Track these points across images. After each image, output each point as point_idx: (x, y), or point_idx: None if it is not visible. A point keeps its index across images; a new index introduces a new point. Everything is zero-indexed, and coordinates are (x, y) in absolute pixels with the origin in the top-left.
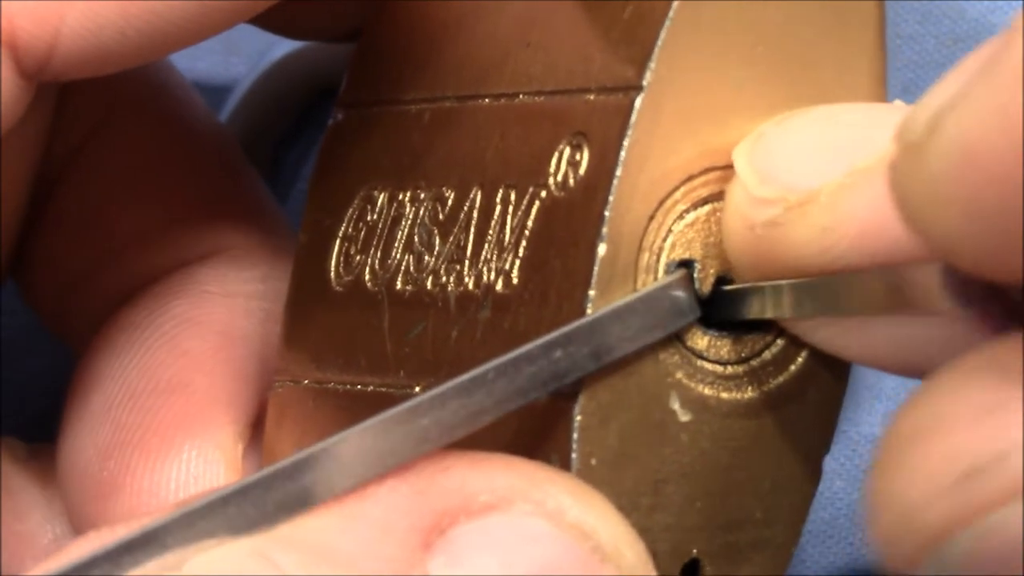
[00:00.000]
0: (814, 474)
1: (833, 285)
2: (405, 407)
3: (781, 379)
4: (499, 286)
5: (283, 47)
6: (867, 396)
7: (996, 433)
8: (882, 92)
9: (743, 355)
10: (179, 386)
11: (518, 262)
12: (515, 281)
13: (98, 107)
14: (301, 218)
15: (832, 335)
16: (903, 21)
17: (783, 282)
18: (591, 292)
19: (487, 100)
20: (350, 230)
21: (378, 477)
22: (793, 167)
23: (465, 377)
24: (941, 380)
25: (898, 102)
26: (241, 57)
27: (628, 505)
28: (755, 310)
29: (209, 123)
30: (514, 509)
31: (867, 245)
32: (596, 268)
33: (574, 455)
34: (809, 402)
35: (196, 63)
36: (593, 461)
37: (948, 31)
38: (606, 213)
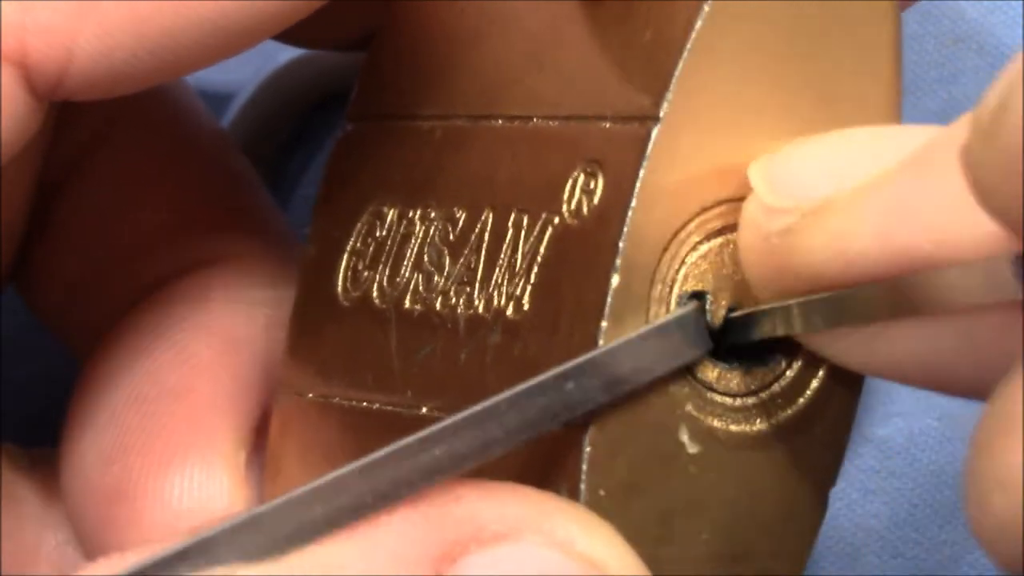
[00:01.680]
0: (820, 506)
1: (841, 296)
2: (417, 437)
3: (790, 412)
4: (510, 311)
5: (287, 54)
6: (868, 396)
7: None
8: (898, 120)
9: (752, 388)
10: (183, 392)
11: (529, 288)
12: (526, 307)
13: (101, 114)
14: (302, 224)
15: (848, 347)
16: (903, 21)
17: (791, 301)
18: (603, 323)
19: (500, 121)
20: (359, 245)
21: (390, 507)
22: (808, 177)
23: (477, 408)
24: None
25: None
26: (245, 64)
27: (636, 536)
28: (766, 330)
29: (212, 129)
30: (524, 539)
31: (883, 251)
32: (609, 299)
33: (583, 486)
34: (817, 435)
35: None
36: (602, 492)
37: (948, 31)
38: (620, 244)
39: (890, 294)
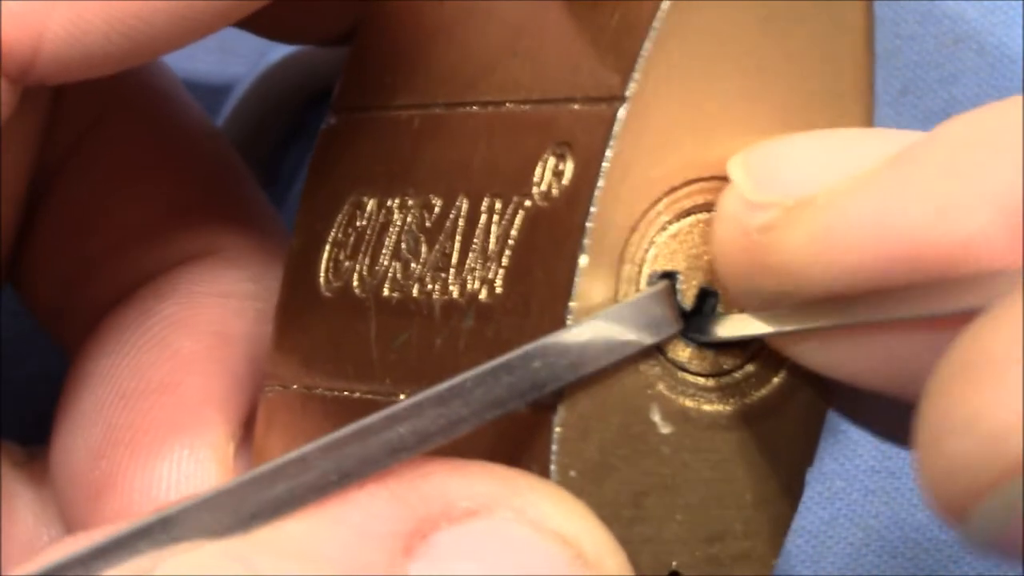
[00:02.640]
0: (796, 487)
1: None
2: (382, 415)
3: (763, 392)
4: (483, 295)
5: (280, 50)
6: None
7: None
8: (869, 113)
9: (725, 367)
10: (171, 386)
11: (502, 271)
12: (498, 290)
13: (90, 109)
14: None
15: (809, 349)
16: (903, 21)
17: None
18: (572, 303)
19: (475, 108)
20: (340, 236)
21: (356, 484)
22: (791, 173)
23: (443, 386)
24: None
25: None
26: (238, 60)
27: (608, 517)
28: (730, 330)
29: (202, 124)
30: (495, 516)
31: (864, 251)
32: (577, 279)
33: (553, 467)
34: (791, 416)
35: (193, 65)
36: (572, 473)
37: (948, 31)
38: (588, 224)
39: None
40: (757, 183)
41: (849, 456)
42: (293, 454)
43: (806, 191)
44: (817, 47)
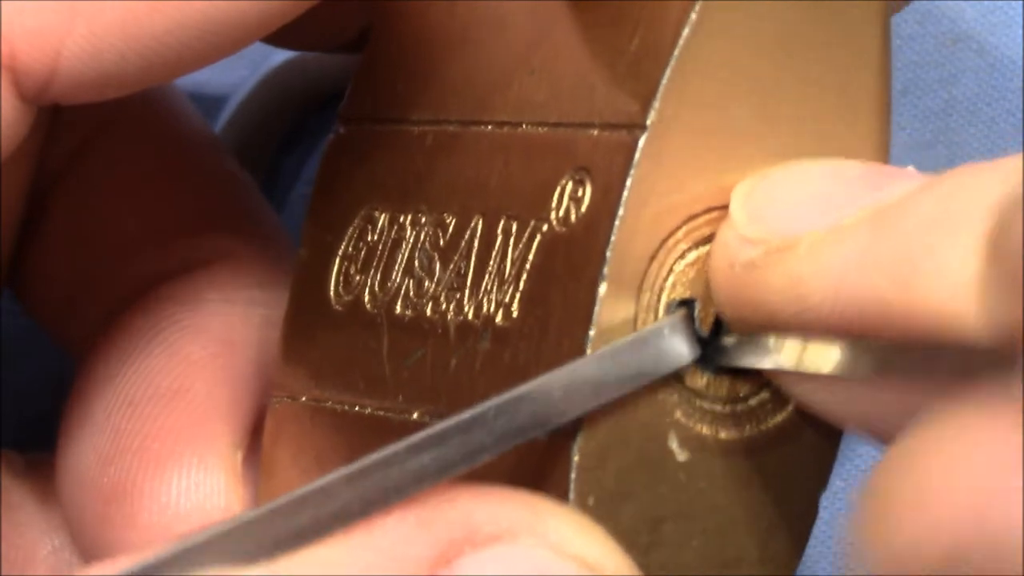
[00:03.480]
0: (810, 512)
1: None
2: (404, 444)
3: (779, 418)
4: (499, 318)
5: (281, 55)
6: None
7: (990, 516)
8: (886, 140)
9: (741, 394)
10: (179, 392)
11: (518, 295)
12: (515, 314)
13: (92, 117)
14: (297, 226)
15: (810, 391)
16: (903, 21)
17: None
18: (591, 331)
19: (490, 127)
20: (350, 249)
21: (377, 514)
22: (784, 212)
23: (465, 415)
24: (944, 431)
25: (910, 168)
26: (239, 65)
27: (625, 544)
28: (747, 360)
29: (202, 131)
30: (519, 541)
31: (838, 306)
32: (597, 307)
33: (571, 494)
34: (806, 441)
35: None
36: (591, 500)
37: (948, 31)
38: (608, 252)
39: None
40: (750, 218)
41: (849, 456)
42: (317, 483)
43: (791, 233)
44: (833, 71)
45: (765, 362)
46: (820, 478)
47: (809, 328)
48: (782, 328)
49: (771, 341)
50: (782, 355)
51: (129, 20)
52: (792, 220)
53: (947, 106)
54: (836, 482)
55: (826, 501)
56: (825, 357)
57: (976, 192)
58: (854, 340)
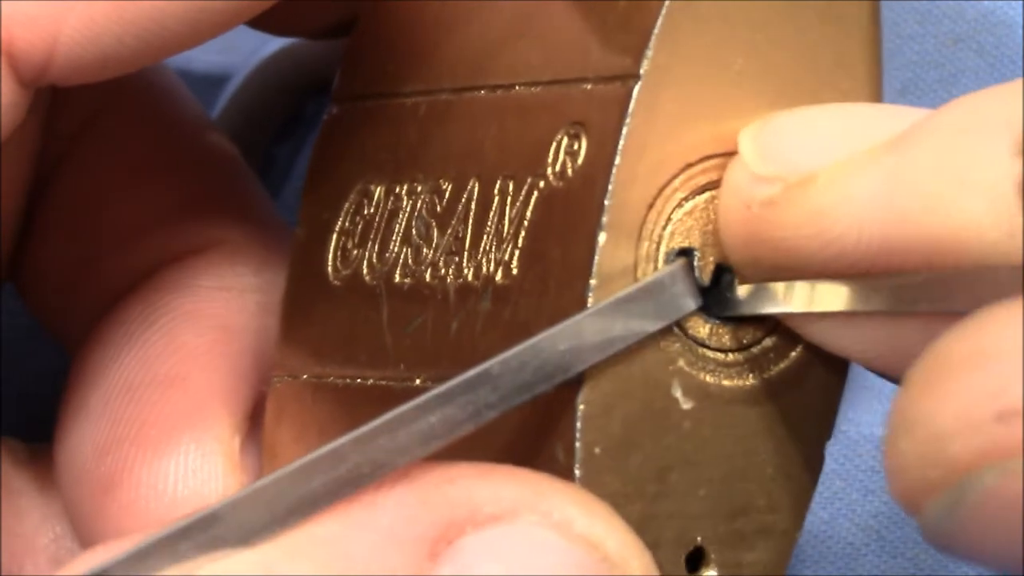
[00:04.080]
0: (816, 460)
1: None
2: (411, 405)
3: (782, 366)
4: (499, 277)
5: (276, 42)
6: (867, 396)
7: None
8: (878, 87)
9: (744, 342)
10: (176, 379)
11: (517, 252)
12: (515, 272)
13: (87, 104)
14: (294, 211)
15: (824, 330)
16: (903, 21)
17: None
18: (592, 282)
19: (483, 92)
20: (347, 224)
21: (387, 481)
22: (797, 148)
23: (470, 373)
24: (999, 311)
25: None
26: (234, 52)
27: (633, 493)
28: (755, 308)
29: (199, 118)
30: (521, 520)
31: (863, 236)
32: (596, 258)
33: (578, 444)
34: (810, 389)
35: (189, 58)
36: (597, 450)
37: (948, 31)
38: (606, 202)
39: (873, 292)
40: (763, 157)
41: (849, 456)
42: (326, 448)
43: (809, 168)
44: (825, 19)
45: (774, 308)
46: (825, 426)
47: (831, 264)
48: (800, 268)
49: (780, 288)
50: (792, 301)
51: (125, 3)
52: (808, 154)
53: None
54: (836, 482)
55: (826, 501)
56: (837, 295)
57: (998, 104)
58: (868, 276)
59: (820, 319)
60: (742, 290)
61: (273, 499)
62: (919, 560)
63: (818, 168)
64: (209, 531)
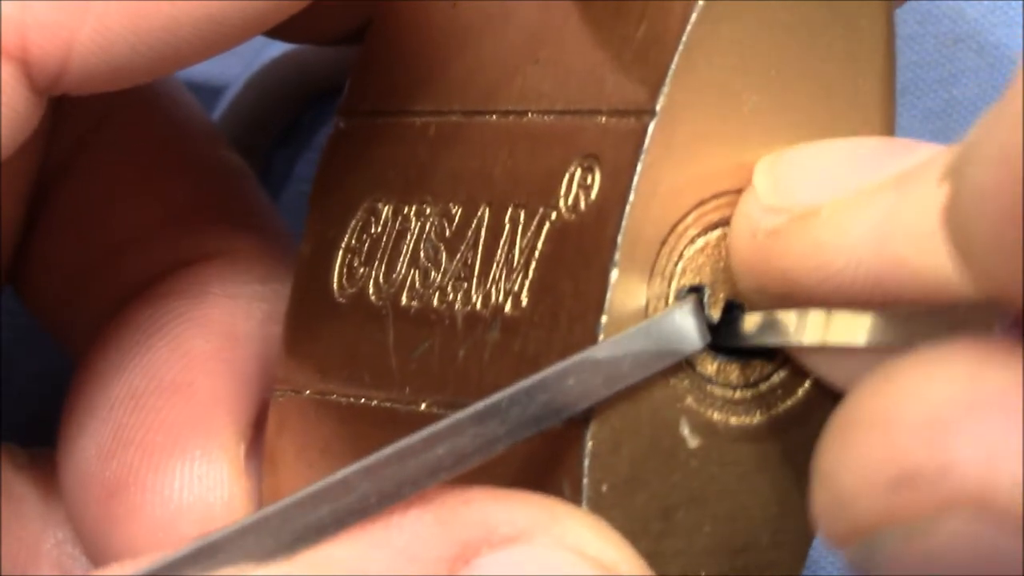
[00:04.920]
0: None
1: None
2: (419, 437)
3: (789, 403)
4: (508, 307)
5: (276, 48)
6: None
7: (941, 445)
8: (892, 122)
9: (751, 380)
10: (181, 386)
11: (527, 284)
12: (524, 303)
13: (94, 110)
14: (290, 219)
15: (831, 365)
16: (903, 21)
17: (792, 312)
18: (603, 318)
19: (495, 116)
20: (353, 242)
21: (398, 507)
22: (807, 182)
23: (479, 406)
24: (904, 368)
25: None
26: (234, 58)
27: (639, 530)
28: (758, 337)
29: (204, 124)
30: (536, 541)
31: (859, 271)
32: (609, 294)
33: (585, 481)
34: (815, 425)
35: None
36: (604, 487)
37: (948, 31)
38: (619, 239)
39: (885, 325)
40: (774, 186)
41: None
42: (334, 477)
43: (813, 202)
44: (838, 56)
45: (786, 340)
46: None
47: (831, 297)
48: (803, 298)
49: (793, 317)
50: (805, 332)
51: (139, 13)
52: (815, 189)
53: (947, 106)
54: None
55: None
56: (850, 329)
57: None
58: (878, 309)
59: (828, 353)
60: (751, 322)
61: (280, 526)
62: None
63: (822, 203)
64: (217, 556)
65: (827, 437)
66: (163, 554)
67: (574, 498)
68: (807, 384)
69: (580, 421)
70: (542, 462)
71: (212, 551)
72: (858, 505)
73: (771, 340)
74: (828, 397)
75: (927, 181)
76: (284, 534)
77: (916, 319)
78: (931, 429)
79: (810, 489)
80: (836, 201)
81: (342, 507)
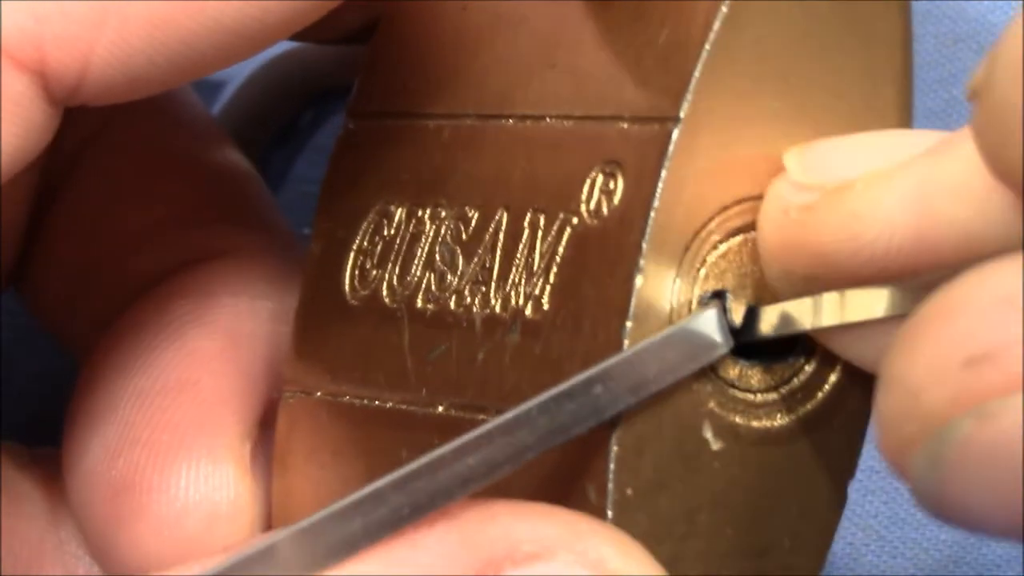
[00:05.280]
0: (840, 500)
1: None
2: (450, 448)
3: (810, 406)
4: (529, 311)
5: (278, 45)
6: None
7: (1006, 322)
8: (908, 122)
9: (773, 383)
10: (187, 385)
11: (549, 288)
12: (546, 307)
13: (99, 112)
14: (290, 218)
15: (863, 349)
16: None
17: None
18: (628, 323)
19: (511, 121)
20: (365, 244)
21: (427, 520)
22: (839, 160)
23: (508, 416)
24: (968, 272)
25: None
26: None
27: (662, 533)
28: (781, 329)
29: (208, 124)
30: (558, 558)
31: (894, 240)
32: (633, 300)
33: (611, 485)
34: (836, 428)
35: None
36: (629, 491)
37: (948, 31)
38: (643, 245)
39: (901, 295)
40: (804, 166)
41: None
42: (367, 490)
43: (847, 176)
44: (855, 60)
45: (805, 326)
46: (848, 465)
47: (862, 270)
48: (832, 276)
49: (808, 304)
50: (823, 315)
51: (157, 24)
52: (848, 166)
53: (947, 106)
54: None
55: None
56: (867, 304)
57: None
58: (894, 282)
59: (850, 331)
60: (767, 317)
61: (314, 541)
62: (919, 560)
63: (855, 176)
64: (251, 572)
65: (896, 343)
66: (191, 568)
67: (599, 502)
68: (828, 387)
69: (606, 426)
70: (567, 467)
71: (244, 567)
72: (932, 394)
73: (791, 329)
74: (847, 399)
75: (960, 145)
76: (319, 548)
77: (929, 286)
78: (1001, 308)
79: (874, 407)
80: (870, 173)
81: (374, 520)
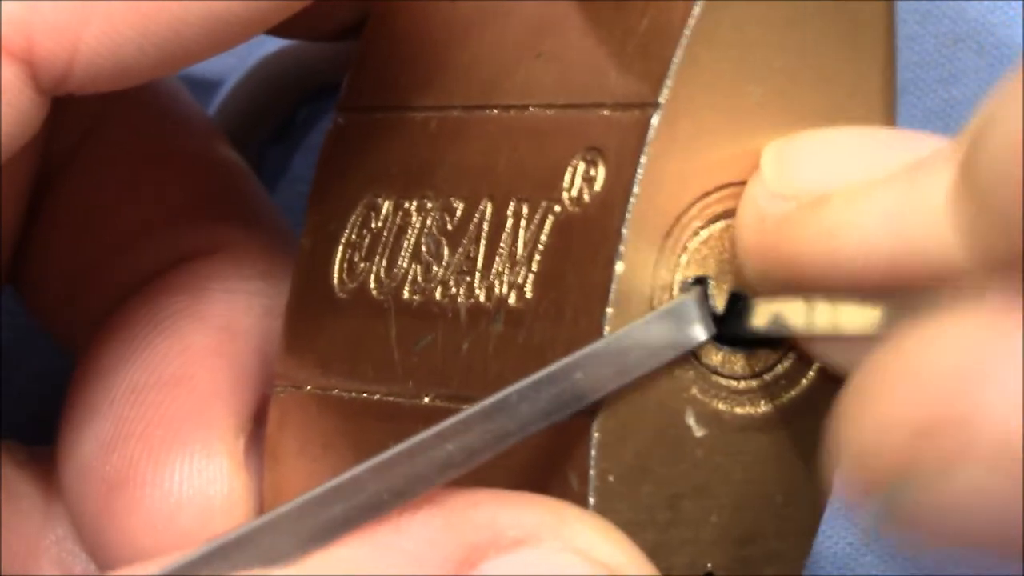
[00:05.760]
0: (825, 487)
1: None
2: (430, 433)
3: (793, 393)
4: (512, 300)
5: (272, 43)
6: None
7: (965, 395)
8: (892, 115)
9: (756, 370)
10: (181, 380)
11: (532, 276)
12: (529, 295)
13: (93, 107)
14: (286, 215)
15: (839, 356)
16: (903, 21)
17: (800, 302)
18: (609, 310)
19: (496, 111)
20: (354, 237)
21: (408, 506)
22: (816, 169)
23: (489, 401)
24: (924, 327)
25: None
26: (229, 53)
27: (646, 520)
28: (763, 324)
29: (202, 120)
30: (543, 545)
31: (870, 259)
32: (614, 286)
33: (592, 472)
34: (820, 415)
35: None
36: (611, 478)
37: (948, 31)
38: (624, 231)
39: (893, 314)
40: (781, 173)
41: None
42: (346, 475)
43: (824, 189)
44: (840, 47)
45: (796, 330)
46: None
47: (838, 283)
48: (809, 284)
49: (801, 307)
50: (816, 322)
51: (145, 12)
52: (824, 176)
53: (947, 106)
54: (835, 483)
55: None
56: (859, 317)
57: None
58: (884, 297)
59: (835, 343)
60: (760, 314)
61: (293, 526)
62: (919, 560)
63: (831, 189)
64: (230, 558)
65: (850, 393)
66: (176, 556)
67: (581, 489)
68: (811, 374)
69: (587, 413)
70: (549, 453)
71: (225, 553)
72: (883, 453)
73: (781, 330)
74: (832, 387)
75: (939, 168)
76: (297, 534)
77: (916, 302)
78: (955, 379)
79: (829, 446)
80: (847, 188)
81: (354, 506)
